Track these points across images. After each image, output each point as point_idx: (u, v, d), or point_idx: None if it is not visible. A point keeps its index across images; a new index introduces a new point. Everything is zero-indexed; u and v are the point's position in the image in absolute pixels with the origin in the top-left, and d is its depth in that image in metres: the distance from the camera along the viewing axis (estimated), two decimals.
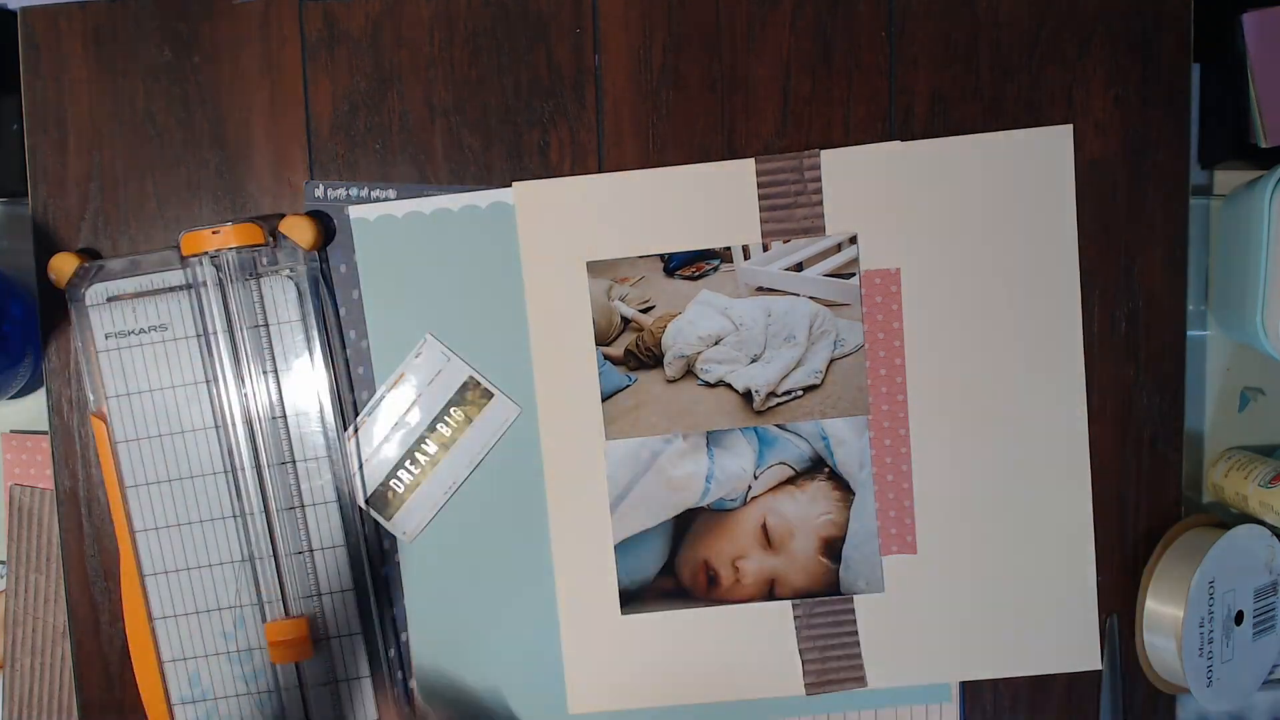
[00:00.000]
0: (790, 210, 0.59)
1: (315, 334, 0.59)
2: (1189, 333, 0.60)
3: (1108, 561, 0.61)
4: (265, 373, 0.59)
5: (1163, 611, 0.59)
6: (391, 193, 0.60)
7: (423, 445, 0.60)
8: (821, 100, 0.59)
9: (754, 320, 0.60)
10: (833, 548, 0.60)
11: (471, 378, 0.60)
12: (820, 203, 0.59)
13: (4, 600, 0.63)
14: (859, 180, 0.59)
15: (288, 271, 0.59)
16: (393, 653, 0.61)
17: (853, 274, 0.59)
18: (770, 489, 0.60)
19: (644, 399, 0.60)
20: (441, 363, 0.60)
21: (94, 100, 0.60)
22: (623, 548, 0.60)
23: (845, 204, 0.59)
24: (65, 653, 0.63)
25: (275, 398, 0.59)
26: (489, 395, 0.60)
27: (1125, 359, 0.60)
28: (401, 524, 0.61)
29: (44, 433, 0.63)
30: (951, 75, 0.59)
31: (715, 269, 0.60)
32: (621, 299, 0.60)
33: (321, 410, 0.59)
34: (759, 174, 0.59)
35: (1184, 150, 0.59)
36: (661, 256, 0.60)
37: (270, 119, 0.60)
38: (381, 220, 0.60)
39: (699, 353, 0.60)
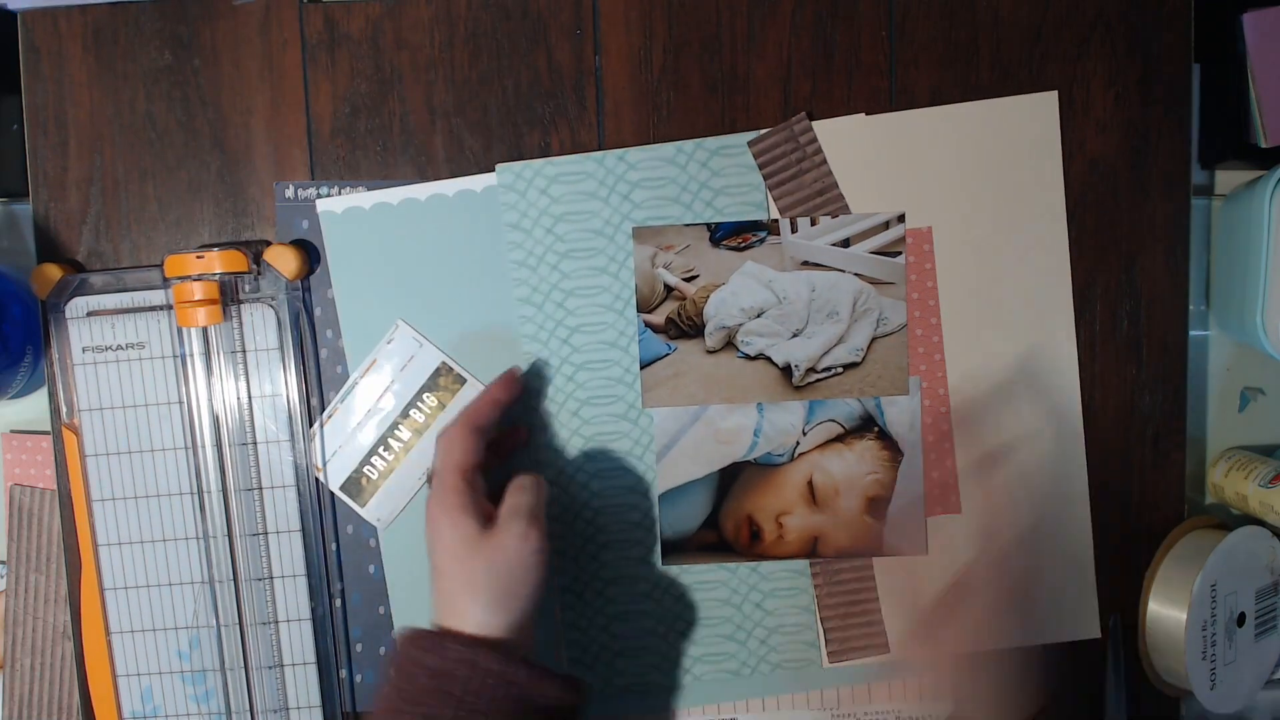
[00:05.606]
0: (798, 179, 0.59)
1: (292, 363, 0.59)
2: (1190, 332, 0.60)
3: (1111, 562, 0.60)
4: (239, 398, 0.59)
5: (1165, 615, 0.59)
6: (361, 188, 0.60)
7: (396, 431, 0.60)
8: (822, 100, 0.59)
9: (797, 294, 0.59)
10: (877, 507, 0.60)
11: (444, 364, 0.60)
12: (824, 162, 0.59)
13: (4, 600, 0.63)
14: (855, 145, 0.59)
15: (269, 300, 0.59)
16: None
17: (899, 252, 0.59)
18: (818, 446, 0.60)
19: (683, 368, 0.59)
20: (414, 349, 0.60)
21: (94, 103, 0.60)
22: (667, 498, 0.60)
23: (850, 167, 0.59)
24: (65, 653, 0.63)
25: (247, 423, 0.59)
26: (461, 381, 0.60)
27: (1127, 358, 0.60)
28: (375, 510, 0.60)
29: (44, 433, 0.63)
30: (951, 75, 0.59)
31: (761, 241, 0.59)
32: (666, 266, 0.59)
33: (293, 438, 0.59)
34: (755, 154, 0.59)
35: (1184, 150, 0.59)
36: (708, 226, 0.59)
37: (271, 121, 0.60)
38: (349, 212, 0.60)
39: (740, 324, 0.59)
